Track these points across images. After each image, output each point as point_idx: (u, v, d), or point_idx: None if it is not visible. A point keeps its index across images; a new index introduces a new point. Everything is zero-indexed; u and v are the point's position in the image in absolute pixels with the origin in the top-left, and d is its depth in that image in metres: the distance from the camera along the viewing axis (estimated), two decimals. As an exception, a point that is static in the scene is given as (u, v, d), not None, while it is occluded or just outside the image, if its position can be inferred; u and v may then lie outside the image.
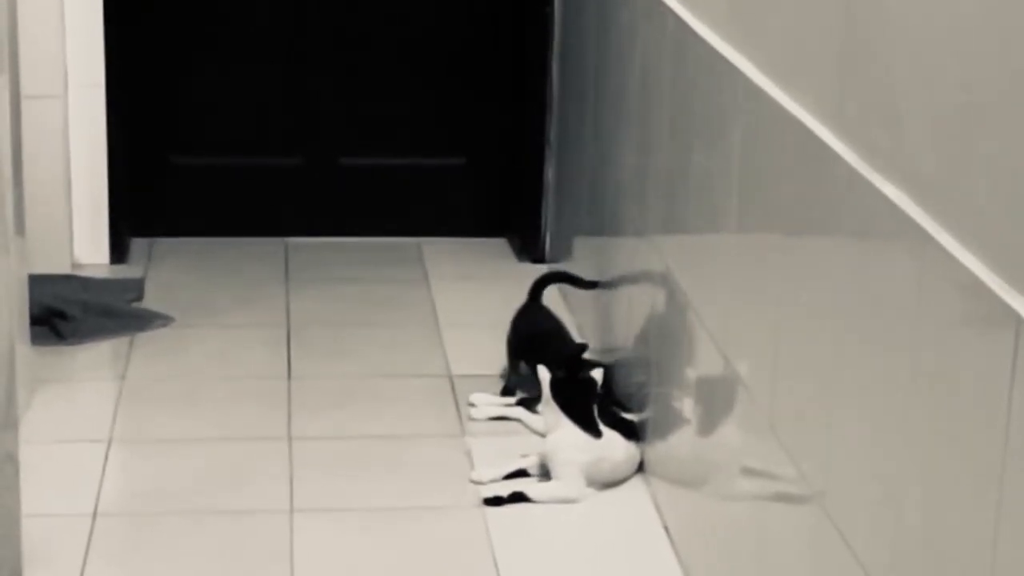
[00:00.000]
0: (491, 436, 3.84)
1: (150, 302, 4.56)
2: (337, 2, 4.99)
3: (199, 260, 4.90)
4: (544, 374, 3.63)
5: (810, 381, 2.54)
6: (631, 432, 3.64)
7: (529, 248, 4.96)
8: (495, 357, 4.23)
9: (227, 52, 4.99)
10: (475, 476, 3.63)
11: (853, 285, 2.35)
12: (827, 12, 2.51)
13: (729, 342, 2.99)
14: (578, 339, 4.10)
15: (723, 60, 3.01)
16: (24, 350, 3.80)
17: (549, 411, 3.63)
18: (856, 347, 2.34)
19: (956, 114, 2.04)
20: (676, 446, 3.41)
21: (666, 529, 3.45)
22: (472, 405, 3.96)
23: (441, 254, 4.99)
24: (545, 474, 3.62)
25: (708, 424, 3.14)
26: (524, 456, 3.66)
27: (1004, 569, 1.86)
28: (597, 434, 3.57)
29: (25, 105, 4.11)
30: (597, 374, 3.65)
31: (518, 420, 3.90)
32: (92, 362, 4.23)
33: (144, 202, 5.01)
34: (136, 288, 4.64)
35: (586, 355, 3.76)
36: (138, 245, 4.96)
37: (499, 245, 5.07)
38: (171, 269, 4.83)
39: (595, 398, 3.61)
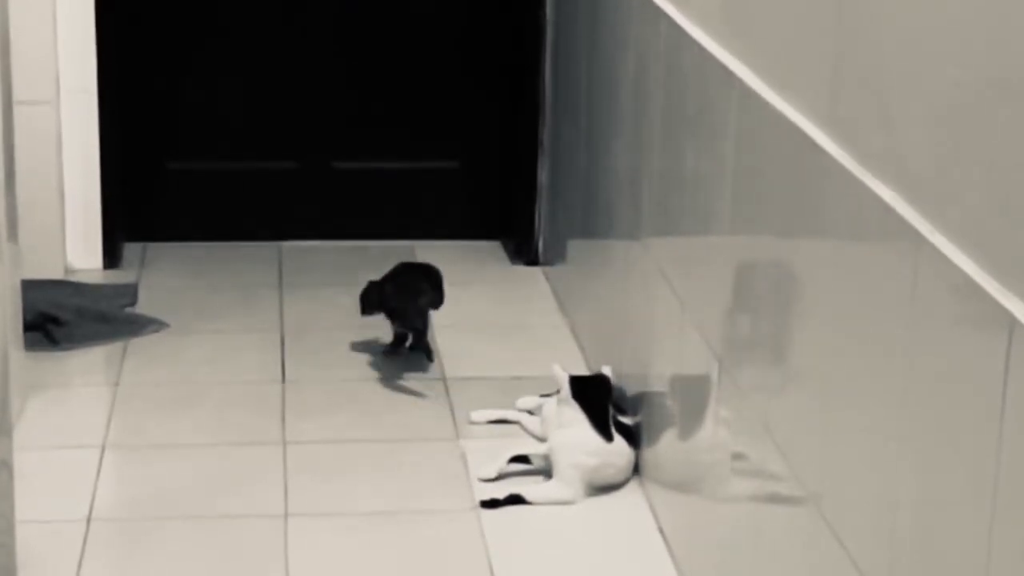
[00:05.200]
0: (487, 439, 3.83)
1: (144, 307, 4.56)
2: (330, 6, 4.99)
3: (193, 265, 4.89)
4: (561, 373, 3.62)
5: (805, 383, 2.54)
6: (630, 436, 3.63)
7: (523, 251, 4.96)
8: (491, 359, 4.24)
9: (220, 56, 4.99)
10: (481, 474, 3.62)
11: (847, 286, 2.35)
12: (820, 14, 2.51)
13: (723, 344, 2.98)
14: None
15: (716, 62, 3.01)
16: (18, 356, 3.80)
17: (566, 409, 3.61)
18: (850, 349, 2.34)
19: (949, 115, 2.04)
20: (671, 449, 3.41)
21: (661, 532, 3.44)
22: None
23: (435, 257, 4.97)
24: (546, 468, 3.61)
25: (703, 426, 3.14)
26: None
27: (999, 569, 1.86)
28: (609, 438, 3.56)
29: (17, 111, 4.10)
30: (607, 371, 3.66)
31: (517, 423, 3.90)
32: (86, 367, 4.22)
33: (137, 207, 5.00)
34: (130, 293, 4.63)
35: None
36: (131, 250, 4.96)
37: (493, 248, 5.07)
38: (165, 274, 4.82)
39: (610, 397, 3.61)
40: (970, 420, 1.93)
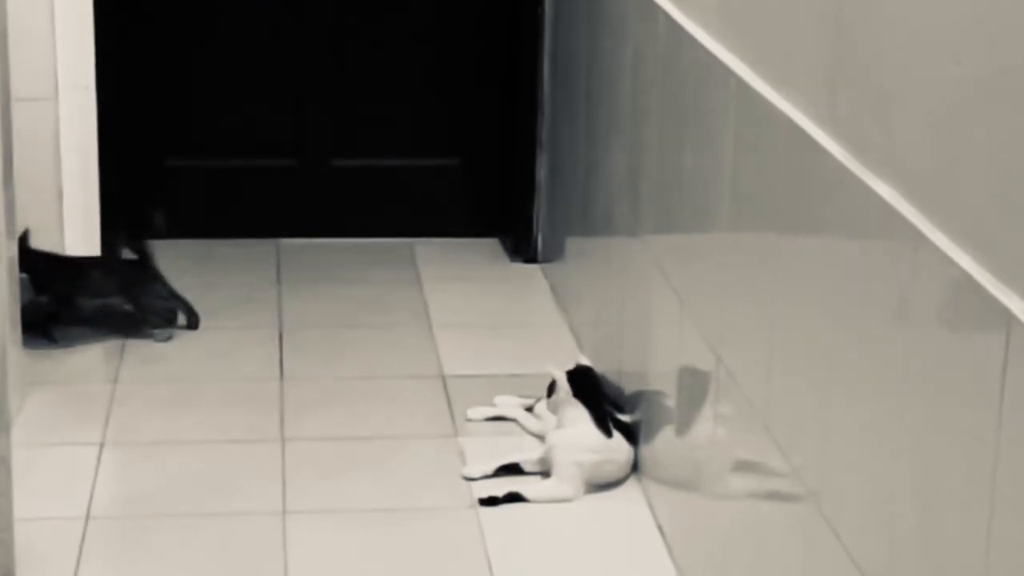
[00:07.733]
0: (485, 436, 3.84)
1: (142, 304, 4.56)
2: (328, 4, 4.99)
3: (191, 262, 4.89)
4: (559, 373, 3.61)
5: (803, 380, 2.54)
6: (629, 434, 3.63)
7: (521, 248, 4.96)
8: (489, 357, 4.24)
9: (218, 53, 4.99)
10: (466, 472, 3.63)
11: (845, 283, 2.35)
12: (818, 10, 2.51)
13: (722, 341, 2.99)
14: None
15: (714, 59, 3.01)
16: (16, 353, 3.80)
17: (568, 408, 3.60)
18: (849, 346, 2.34)
19: (948, 111, 2.04)
20: (670, 446, 3.41)
21: (660, 529, 3.45)
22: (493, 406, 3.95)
23: (433, 255, 4.99)
24: (543, 471, 3.61)
25: (701, 424, 3.14)
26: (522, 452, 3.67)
27: (998, 566, 1.86)
28: (608, 434, 3.56)
29: (15, 108, 4.10)
30: (585, 360, 3.66)
31: (514, 420, 3.90)
32: (85, 365, 4.22)
33: (136, 204, 5.00)
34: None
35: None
36: (130, 247, 4.96)
37: (491, 245, 5.07)
38: (163, 271, 4.81)
39: (600, 387, 3.61)
40: (968, 417, 1.93)
